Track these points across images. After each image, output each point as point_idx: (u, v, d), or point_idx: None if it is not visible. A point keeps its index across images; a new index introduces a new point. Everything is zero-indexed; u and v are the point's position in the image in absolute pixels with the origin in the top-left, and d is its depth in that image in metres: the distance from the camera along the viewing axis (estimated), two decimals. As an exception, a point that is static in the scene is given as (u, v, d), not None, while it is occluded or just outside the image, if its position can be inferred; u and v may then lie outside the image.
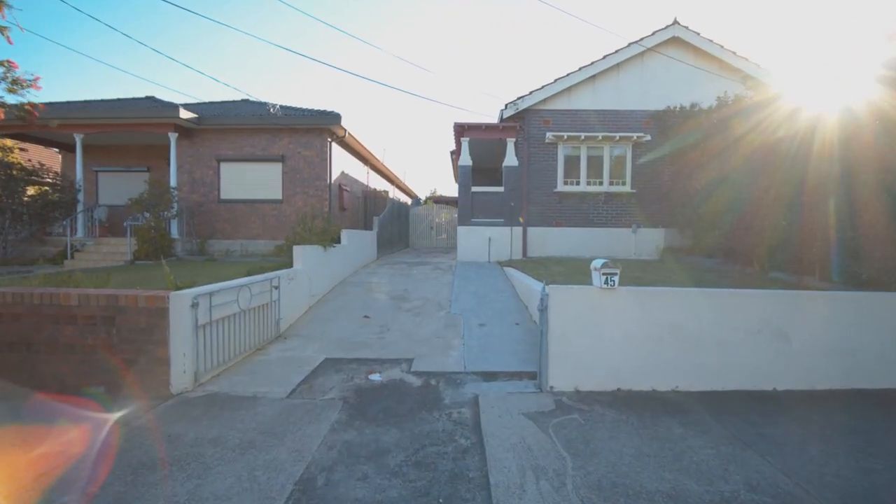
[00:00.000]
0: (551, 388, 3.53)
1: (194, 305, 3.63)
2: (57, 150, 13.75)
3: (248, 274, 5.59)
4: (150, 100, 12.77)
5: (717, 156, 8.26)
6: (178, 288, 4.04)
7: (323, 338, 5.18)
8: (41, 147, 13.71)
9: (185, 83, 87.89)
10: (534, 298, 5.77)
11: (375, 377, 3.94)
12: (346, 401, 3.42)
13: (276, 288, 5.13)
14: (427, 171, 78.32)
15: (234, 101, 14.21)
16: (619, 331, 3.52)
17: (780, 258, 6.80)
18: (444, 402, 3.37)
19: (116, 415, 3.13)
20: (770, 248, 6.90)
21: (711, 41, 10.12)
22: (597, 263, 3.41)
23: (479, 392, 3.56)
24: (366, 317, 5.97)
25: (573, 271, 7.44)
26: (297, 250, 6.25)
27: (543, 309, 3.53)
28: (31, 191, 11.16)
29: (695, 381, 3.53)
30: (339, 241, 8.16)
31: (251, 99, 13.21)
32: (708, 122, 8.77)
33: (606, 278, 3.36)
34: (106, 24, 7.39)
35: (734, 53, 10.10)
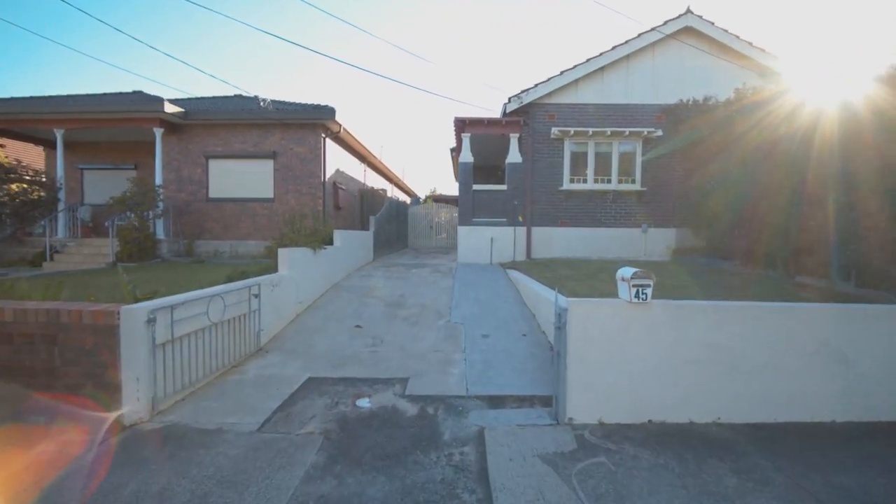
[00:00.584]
0: (570, 419, 2.99)
1: (150, 321, 3.10)
2: (42, 147, 13.20)
3: (229, 278, 5.06)
4: (137, 94, 12.21)
5: (735, 150, 7.69)
6: (137, 299, 3.51)
7: (308, 352, 4.64)
8: (30, 145, 13.15)
9: (184, 82, 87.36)
10: (541, 305, 5.23)
11: (364, 403, 3.41)
12: (327, 436, 2.89)
13: (257, 296, 4.59)
14: (427, 169, 77.70)
15: (225, 97, 13.63)
16: (651, 352, 2.98)
17: (808, 261, 6.26)
18: (443, 439, 2.84)
19: (48, 455, 2.60)
20: (797, 251, 6.36)
21: (727, 31, 9.55)
22: (626, 273, 2.87)
23: (484, 424, 3.02)
24: (357, 326, 5.44)
25: (583, 275, 6.90)
26: (283, 253, 5.69)
27: (561, 326, 2.99)
28: (13, 188, 10.59)
29: (740, 412, 3.00)
30: (330, 243, 7.62)
31: (243, 94, 12.66)
32: (725, 114, 8.21)
33: (637, 291, 2.82)
34: (95, 18, 6.85)
35: (750, 44, 9.53)
